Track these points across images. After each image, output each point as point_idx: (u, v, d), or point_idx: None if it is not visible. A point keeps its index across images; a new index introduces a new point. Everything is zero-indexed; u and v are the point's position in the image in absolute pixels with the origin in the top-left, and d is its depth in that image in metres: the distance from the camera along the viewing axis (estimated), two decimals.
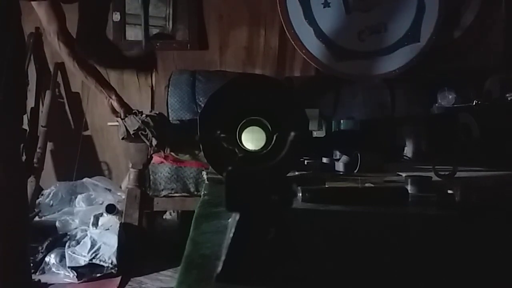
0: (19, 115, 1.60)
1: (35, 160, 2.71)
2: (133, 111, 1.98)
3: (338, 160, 1.50)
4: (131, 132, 1.95)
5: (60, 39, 1.76)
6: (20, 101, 1.59)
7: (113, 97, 1.94)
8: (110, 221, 2.38)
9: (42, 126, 2.82)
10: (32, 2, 1.70)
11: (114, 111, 1.98)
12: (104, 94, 1.94)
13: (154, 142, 1.95)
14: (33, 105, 2.86)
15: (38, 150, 2.74)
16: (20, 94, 1.59)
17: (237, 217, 0.53)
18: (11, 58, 1.46)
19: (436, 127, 2.07)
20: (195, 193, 2.43)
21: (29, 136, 2.71)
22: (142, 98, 2.99)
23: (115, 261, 2.18)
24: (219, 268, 0.53)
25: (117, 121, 2.01)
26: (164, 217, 2.80)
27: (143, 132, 1.94)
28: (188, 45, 2.97)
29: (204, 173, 1.31)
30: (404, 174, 1.24)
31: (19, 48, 1.55)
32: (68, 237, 2.34)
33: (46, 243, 2.26)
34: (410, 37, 2.82)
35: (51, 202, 2.64)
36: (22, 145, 2.60)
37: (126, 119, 1.96)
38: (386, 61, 2.84)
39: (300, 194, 0.95)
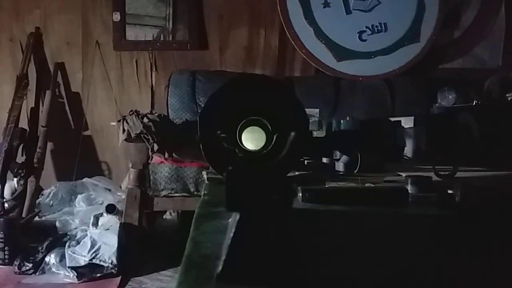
0: None
1: (35, 160, 2.71)
2: (133, 111, 1.98)
3: (338, 160, 1.50)
4: (133, 135, 1.95)
5: None
6: None
7: None
8: (110, 221, 2.38)
9: (42, 126, 2.82)
10: None
11: None
12: None
13: (156, 147, 1.95)
14: (33, 105, 2.86)
15: (38, 150, 2.75)
16: None
17: (237, 217, 0.53)
18: None
19: (436, 127, 2.06)
20: (195, 193, 2.43)
21: (29, 136, 2.72)
22: (142, 98, 2.99)
23: (115, 261, 2.18)
24: (219, 268, 0.52)
25: (117, 123, 2.01)
26: (164, 217, 2.81)
27: (146, 136, 1.94)
28: (188, 45, 2.97)
29: (204, 173, 1.30)
30: (404, 174, 1.24)
31: None
32: (68, 237, 2.33)
33: (46, 243, 2.26)
34: (410, 37, 2.83)
35: (51, 202, 2.64)
36: (22, 145, 2.62)
37: (127, 120, 1.95)
38: (386, 61, 2.85)
39: (300, 194, 0.95)
